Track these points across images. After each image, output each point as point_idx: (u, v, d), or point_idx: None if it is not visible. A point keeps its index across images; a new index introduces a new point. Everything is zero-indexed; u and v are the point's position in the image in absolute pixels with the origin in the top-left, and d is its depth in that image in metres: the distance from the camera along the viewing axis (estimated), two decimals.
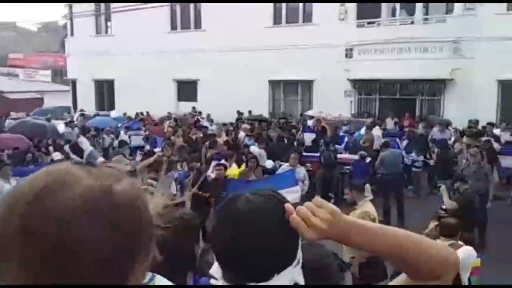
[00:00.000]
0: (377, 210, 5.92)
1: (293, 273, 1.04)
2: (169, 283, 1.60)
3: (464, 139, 12.13)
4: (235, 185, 7.19)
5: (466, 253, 4.03)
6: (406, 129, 13.80)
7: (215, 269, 1.06)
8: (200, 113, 20.27)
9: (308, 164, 10.42)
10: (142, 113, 20.80)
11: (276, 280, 1.01)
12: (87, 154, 10.40)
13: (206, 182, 7.90)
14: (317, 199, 1.04)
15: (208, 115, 19.18)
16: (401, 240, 1.03)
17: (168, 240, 1.54)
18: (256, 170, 8.71)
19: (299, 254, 1.07)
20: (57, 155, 11.37)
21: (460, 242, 4.32)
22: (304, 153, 11.16)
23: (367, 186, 6.37)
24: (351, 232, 1.00)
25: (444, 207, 5.97)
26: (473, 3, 16.50)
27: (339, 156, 11.04)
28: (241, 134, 13.75)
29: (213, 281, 1.07)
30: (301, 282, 1.05)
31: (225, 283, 1.04)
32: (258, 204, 1.04)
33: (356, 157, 10.68)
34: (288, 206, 1.03)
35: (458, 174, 8.67)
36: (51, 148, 12.34)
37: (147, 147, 12.30)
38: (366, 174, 9.62)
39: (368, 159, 10.51)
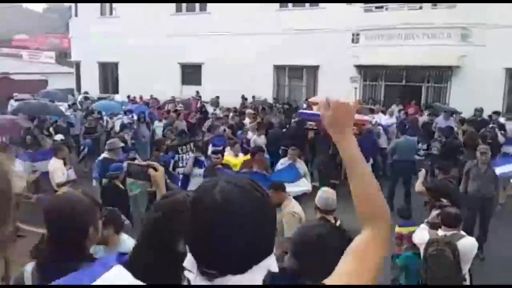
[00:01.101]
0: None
1: (269, 261, 1.01)
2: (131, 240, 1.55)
3: (464, 126, 11.99)
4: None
5: (468, 245, 3.95)
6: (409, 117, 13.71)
7: (189, 261, 1.01)
8: (200, 97, 20.11)
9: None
10: (141, 97, 20.77)
11: (254, 270, 0.98)
12: None
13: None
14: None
15: (216, 99, 19.05)
16: (367, 173, 1.33)
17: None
18: (261, 162, 8.10)
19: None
20: (59, 137, 11.39)
21: (462, 233, 4.24)
22: None
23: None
24: (346, 138, 1.33)
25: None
26: None
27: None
28: (246, 120, 13.65)
29: (188, 274, 1.01)
30: (276, 269, 1.02)
31: (200, 276, 0.99)
32: (236, 194, 0.99)
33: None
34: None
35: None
36: (52, 130, 12.29)
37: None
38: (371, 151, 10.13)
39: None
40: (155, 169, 2.26)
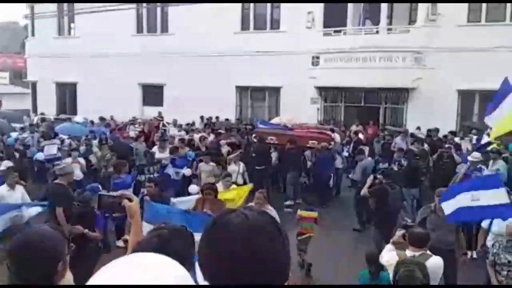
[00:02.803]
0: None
1: None
2: None
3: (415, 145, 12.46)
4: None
5: (436, 264, 4.09)
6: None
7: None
8: (162, 118, 19.91)
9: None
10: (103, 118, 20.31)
11: None
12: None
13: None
14: None
15: (175, 120, 18.94)
16: None
17: None
18: (215, 202, 6.36)
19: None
20: (7, 163, 9.95)
21: (429, 253, 4.38)
22: None
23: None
24: None
25: (407, 219, 6.19)
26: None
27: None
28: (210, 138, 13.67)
29: None
30: None
31: None
32: (256, 222, 1.04)
33: None
34: None
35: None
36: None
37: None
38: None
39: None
40: (130, 200, 2.19)
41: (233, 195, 7.55)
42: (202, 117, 19.83)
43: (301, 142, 11.90)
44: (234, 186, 8.24)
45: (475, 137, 13.00)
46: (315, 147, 11.87)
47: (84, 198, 6.41)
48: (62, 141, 12.63)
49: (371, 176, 7.44)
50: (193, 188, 9.03)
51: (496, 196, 5.08)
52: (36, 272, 1.86)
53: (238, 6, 20.50)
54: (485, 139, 12.27)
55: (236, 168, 10.43)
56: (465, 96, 17.11)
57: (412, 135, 15.00)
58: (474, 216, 5.22)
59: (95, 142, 12.85)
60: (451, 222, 5.53)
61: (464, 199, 5.28)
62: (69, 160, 10.27)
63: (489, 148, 9.86)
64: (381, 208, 7.32)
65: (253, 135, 13.48)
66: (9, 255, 1.90)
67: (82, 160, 10.73)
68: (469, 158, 8.79)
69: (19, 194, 7.38)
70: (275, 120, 15.22)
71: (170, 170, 10.18)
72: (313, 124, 15.52)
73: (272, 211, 6.03)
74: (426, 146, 12.97)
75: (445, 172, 10.02)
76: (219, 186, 7.58)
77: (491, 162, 10.06)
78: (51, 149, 11.68)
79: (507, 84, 6.93)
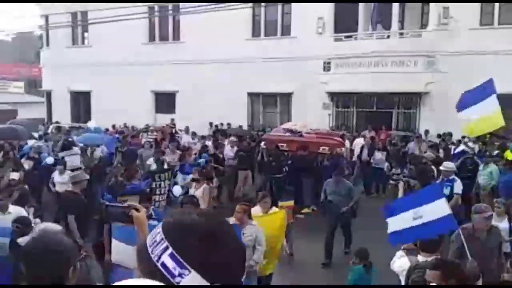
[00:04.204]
0: None
1: None
2: None
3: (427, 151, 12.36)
4: None
5: None
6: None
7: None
8: (174, 125, 20.08)
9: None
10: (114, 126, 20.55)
11: None
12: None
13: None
14: None
15: (187, 128, 19.05)
16: None
17: None
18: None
19: None
20: (16, 175, 9.20)
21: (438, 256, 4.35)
22: None
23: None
24: None
25: None
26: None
27: None
28: (227, 148, 13.52)
29: None
30: None
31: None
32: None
33: None
34: None
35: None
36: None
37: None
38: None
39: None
40: (137, 210, 2.17)
41: (277, 221, 6.46)
42: (211, 124, 19.92)
43: (312, 147, 11.88)
44: (275, 209, 6.84)
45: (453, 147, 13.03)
46: (326, 152, 11.84)
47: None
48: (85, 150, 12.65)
49: (401, 183, 7.25)
50: (177, 190, 8.75)
51: (437, 209, 4.80)
52: (49, 274, 1.90)
53: (248, 13, 20.61)
54: (460, 148, 12.23)
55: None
56: None
57: (426, 141, 14.92)
58: (417, 236, 4.75)
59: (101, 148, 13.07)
60: (392, 243, 5.10)
61: (406, 219, 4.93)
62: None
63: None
64: None
65: (263, 142, 13.52)
66: (24, 254, 1.95)
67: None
68: (441, 168, 8.40)
69: (12, 217, 5.68)
70: (286, 126, 15.19)
71: (178, 178, 10.17)
72: (323, 129, 15.49)
73: (253, 226, 5.54)
74: (441, 151, 12.89)
75: (472, 180, 9.93)
76: (257, 209, 6.45)
77: (481, 166, 10.04)
78: (74, 160, 11.47)
79: (490, 85, 6.96)
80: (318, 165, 11.89)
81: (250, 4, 19.57)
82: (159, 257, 1.03)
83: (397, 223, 5.08)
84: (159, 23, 23.15)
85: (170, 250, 1.03)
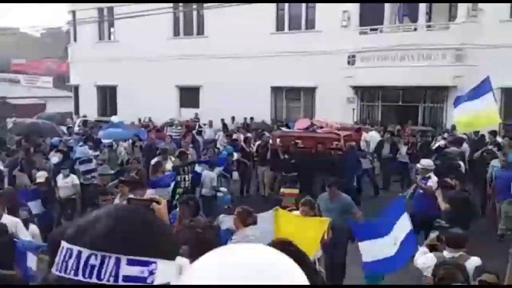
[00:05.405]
0: None
1: None
2: None
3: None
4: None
5: (475, 265, 3.97)
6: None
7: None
8: (198, 119, 20.26)
9: None
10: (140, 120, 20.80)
11: None
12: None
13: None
14: None
15: (210, 122, 19.15)
16: None
17: None
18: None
19: None
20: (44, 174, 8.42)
21: (467, 254, 4.27)
22: None
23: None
24: None
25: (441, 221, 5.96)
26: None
27: None
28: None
29: None
30: None
31: None
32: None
33: None
34: None
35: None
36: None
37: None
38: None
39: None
40: (158, 203, 2.21)
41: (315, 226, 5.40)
42: (233, 118, 19.96)
43: (326, 143, 11.58)
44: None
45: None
46: (340, 148, 11.52)
47: None
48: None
49: (439, 190, 6.90)
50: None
51: (403, 227, 4.65)
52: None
53: (273, 7, 20.53)
54: (438, 142, 11.94)
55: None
56: (509, 94, 16.47)
57: (452, 135, 14.56)
58: (393, 268, 4.63)
59: (124, 144, 13.18)
60: (368, 273, 4.71)
61: (386, 246, 4.66)
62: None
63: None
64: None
65: (278, 139, 12.51)
66: (50, 242, 1.99)
67: None
68: (418, 165, 8.14)
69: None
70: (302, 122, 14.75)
71: (199, 169, 10.17)
72: (338, 124, 14.73)
73: (244, 236, 4.81)
74: (465, 146, 12.57)
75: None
76: (298, 212, 5.89)
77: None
78: (87, 167, 10.83)
79: (487, 83, 7.04)
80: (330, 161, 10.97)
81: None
82: (116, 276, 0.82)
83: (374, 252, 4.76)
84: (184, 18, 23.29)
85: (125, 258, 0.83)
